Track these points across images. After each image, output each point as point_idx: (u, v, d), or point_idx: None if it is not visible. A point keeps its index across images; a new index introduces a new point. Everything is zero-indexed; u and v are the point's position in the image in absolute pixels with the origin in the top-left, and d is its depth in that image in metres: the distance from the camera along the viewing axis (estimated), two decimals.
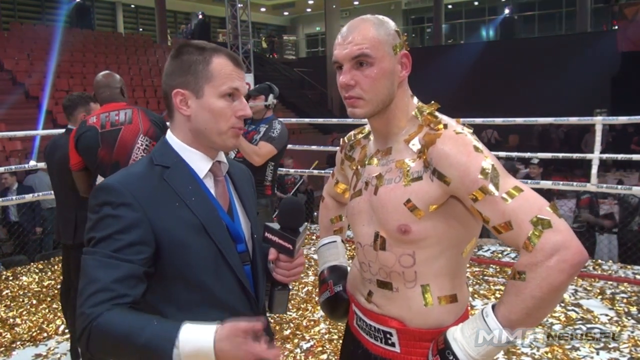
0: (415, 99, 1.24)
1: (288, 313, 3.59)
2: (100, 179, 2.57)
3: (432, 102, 1.22)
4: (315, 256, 4.82)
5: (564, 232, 0.99)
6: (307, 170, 6.91)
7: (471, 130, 1.15)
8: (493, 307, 1.06)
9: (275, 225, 1.18)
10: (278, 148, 3.32)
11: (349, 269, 1.44)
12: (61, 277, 4.51)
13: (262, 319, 1.19)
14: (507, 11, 19.31)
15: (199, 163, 1.14)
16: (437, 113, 1.19)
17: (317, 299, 3.82)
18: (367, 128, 1.37)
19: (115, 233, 1.02)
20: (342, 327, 3.22)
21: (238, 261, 1.14)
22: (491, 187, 1.04)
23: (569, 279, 0.98)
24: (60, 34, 13.78)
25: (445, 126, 1.13)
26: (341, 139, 1.47)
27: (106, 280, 0.97)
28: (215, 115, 1.11)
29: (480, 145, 1.10)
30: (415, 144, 1.15)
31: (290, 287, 1.23)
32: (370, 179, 1.23)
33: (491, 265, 4.49)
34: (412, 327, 1.18)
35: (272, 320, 3.45)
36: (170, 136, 1.16)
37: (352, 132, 1.42)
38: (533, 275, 0.99)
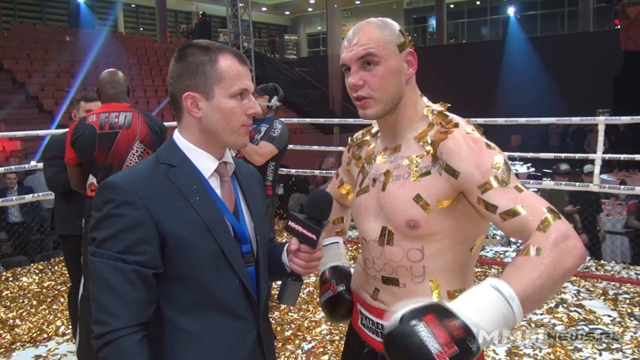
0: (425, 99, 1.25)
1: (289, 314, 3.58)
2: (91, 178, 2.59)
3: (441, 102, 1.23)
4: None
5: (569, 226, 1.03)
6: (309, 170, 6.88)
7: (481, 130, 1.17)
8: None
9: (300, 215, 1.16)
10: (279, 148, 3.33)
11: (351, 270, 1.43)
12: (61, 278, 4.52)
13: (262, 322, 1.17)
14: (509, 11, 19.27)
15: (205, 163, 1.14)
16: (447, 112, 1.20)
17: (318, 299, 3.82)
18: (375, 127, 1.37)
19: (119, 232, 1.02)
20: (343, 328, 3.21)
21: (241, 262, 1.13)
22: (503, 179, 1.06)
23: (576, 266, 1.00)
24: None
25: (457, 125, 1.15)
26: (349, 138, 1.47)
27: (125, 296, 0.99)
28: (227, 115, 1.11)
29: (491, 143, 1.13)
30: (426, 141, 1.16)
31: (303, 279, 1.22)
32: (377, 176, 1.24)
33: (493, 266, 4.47)
34: None
35: (273, 321, 3.44)
36: (177, 136, 1.16)
37: (359, 132, 1.43)
38: (548, 253, 0.97)
